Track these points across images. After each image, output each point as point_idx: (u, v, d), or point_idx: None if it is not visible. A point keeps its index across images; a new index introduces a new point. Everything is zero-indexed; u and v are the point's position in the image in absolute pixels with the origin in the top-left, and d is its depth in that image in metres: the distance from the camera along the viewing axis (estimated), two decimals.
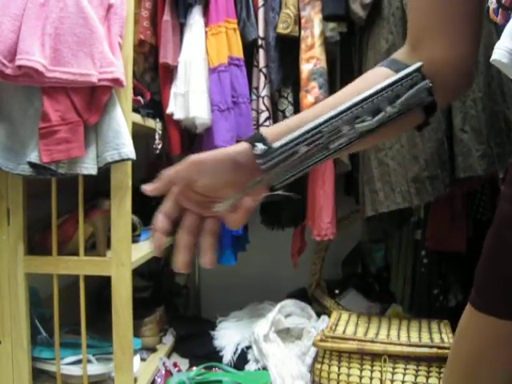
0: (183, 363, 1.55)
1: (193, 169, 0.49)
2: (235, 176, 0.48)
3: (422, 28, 0.53)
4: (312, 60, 1.45)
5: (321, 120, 0.48)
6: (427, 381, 1.23)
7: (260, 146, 0.48)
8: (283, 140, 0.48)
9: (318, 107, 0.52)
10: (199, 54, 1.46)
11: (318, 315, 1.64)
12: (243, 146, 0.48)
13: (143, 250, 1.39)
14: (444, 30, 0.52)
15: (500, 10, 0.89)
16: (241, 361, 1.49)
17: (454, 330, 1.32)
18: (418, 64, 0.49)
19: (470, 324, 0.59)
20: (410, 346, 1.26)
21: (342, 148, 0.49)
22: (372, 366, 1.28)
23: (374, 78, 0.52)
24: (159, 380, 1.39)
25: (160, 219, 0.51)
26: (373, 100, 0.48)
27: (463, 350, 0.60)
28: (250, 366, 1.47)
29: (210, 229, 0.51)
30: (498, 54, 0.78)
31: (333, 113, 0.48)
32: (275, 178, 0.49)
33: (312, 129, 0.48)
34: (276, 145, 0.48)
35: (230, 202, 0.48)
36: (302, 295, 1.81)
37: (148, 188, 0.52)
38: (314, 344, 1.36)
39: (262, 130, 0.48)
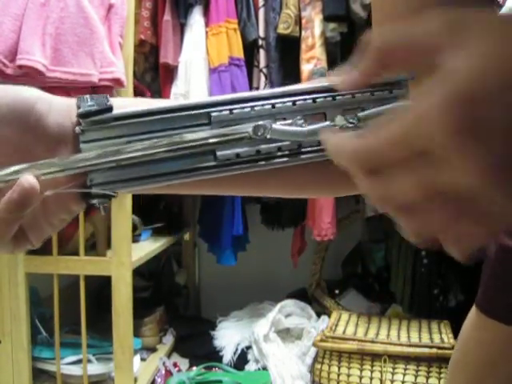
0: (183, 363, 1.55)
1: None
2: (22, 137, 0.29)
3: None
4: (312, 60, 1.45)
5: (214, 100, 0.32)
6: (427, 381, 1.23)
7: (91, 103, 0.31)
8: (135, 109, 0.31)
9: None
10: (200, 54, 1.46)
11: (318, 315, 1.63)
12: (62, 98, 0.32)
13: (143, 250, 1.39)
14: None
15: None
16: (241, 361, 1.49)
17: (454, 330, 1.33)
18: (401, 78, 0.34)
19: (478, 329, 0.58)
20: (410, 346, 1.26)
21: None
22: (372, 366, 1.28)
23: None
24: (159, 380, 1.39)
25: None
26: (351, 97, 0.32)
27: (471, 356, 0.59)
28: (250, 366, 1.47)
29: None
30: None
31: (242, 95, 0.32)
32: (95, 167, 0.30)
33: (192, 107, 0.31)
34: (121, 112, 0.31)
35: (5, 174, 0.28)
36: (302, 295, 1.81)
37: None
38: (314, 344, 1.36)
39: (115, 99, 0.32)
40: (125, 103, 0.32)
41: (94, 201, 0.31)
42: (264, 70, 1.51)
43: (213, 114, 0.31)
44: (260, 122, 0.30)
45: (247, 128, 0.30)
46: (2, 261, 1.21)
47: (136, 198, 1.23)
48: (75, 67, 1.07)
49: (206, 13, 1.50)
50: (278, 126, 0.30)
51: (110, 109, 0.31)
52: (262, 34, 1.51)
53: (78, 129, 0.30)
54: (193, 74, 1.45)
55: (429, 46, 0.22)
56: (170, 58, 1.48)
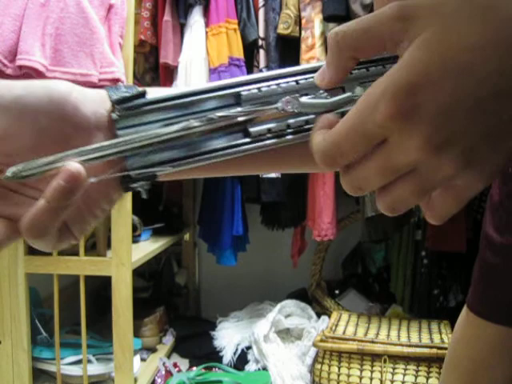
0: (183, 363, 1.55)
1: None
2: (61, 129, 0.29)
3: None
4: (312, 60, 1.45)
5: (240, 80, 0.32)
6: (427, 381, 1.23)
7: (123, 90, 0.31)
8: (166, 94, 0.31)
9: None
10: (200, 55, 1.46)
11: (318, 315, 1.64)
12: (92, 90, 0.31)
13: (143, 250, 1.39)
14: None
15: None
16: (241, 361, 1.49)
17: (452, 334, 1.33)
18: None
19: (469, 329, 0.58)
20: (410, 346, 1.26)
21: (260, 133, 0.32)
22: (372, 366, 1.28)
23: None
24: (159, 380, 1.39)
25: None
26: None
27: (462, 355, 0.59)
28: (250, 367, 1.47)
29: None
30: None
31: (262, 75, 0.33)
32: (135, 155, 0.31)
33: (220, 88, 0.32)
34: (153, 97, 0.31)
35: (39, 166, 0.28)
36: (302, 295, 1.81)
37: None
38: (314, 344, 1.36)
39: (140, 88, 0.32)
40: (153, 91, 0.32)
41: (135, 185, 0.32)
42: (264, 70, 1.51)
43: (243, 93, 0.32)
44: (288, 97, 0.31)
45: (277, 103, 0.31)
46: (2, 261, 1.21)
47: (136, 199, 1.23)
48: (75, 67, 1.07)
49: (206, 13, 1.50)
50: (306, 99, 0.31)
51: (143, 94, 0.31)
52: (261, 34, 1.51)
53: (114, 115, 0.30)
54: (193, 74, 1.45)
55: (382, 35, 0.24)
56: (170, 58, 1.48)
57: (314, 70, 0.32)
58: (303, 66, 0.34)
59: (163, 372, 1.40)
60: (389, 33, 0.24)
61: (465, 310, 0.59)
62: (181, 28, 1.51)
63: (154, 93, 0.32)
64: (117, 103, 0.30)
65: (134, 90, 0.31)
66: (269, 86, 0.32)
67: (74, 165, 0.27)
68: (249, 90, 0.32)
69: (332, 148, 0.25)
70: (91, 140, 0.30)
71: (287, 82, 0.32)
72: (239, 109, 0.31)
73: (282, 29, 1.46)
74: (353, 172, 0.26)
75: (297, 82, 0.33)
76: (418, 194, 0.25)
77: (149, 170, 0.31)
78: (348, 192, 0.28)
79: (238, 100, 0.32)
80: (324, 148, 0.25)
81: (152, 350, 1.56)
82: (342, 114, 0.27)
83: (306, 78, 0.33)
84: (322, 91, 0.32)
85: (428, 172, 0.24)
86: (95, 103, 0.30)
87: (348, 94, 0.30)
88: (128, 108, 0.31)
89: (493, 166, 0.24)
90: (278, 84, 0.32)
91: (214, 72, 1.45)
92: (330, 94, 0.31)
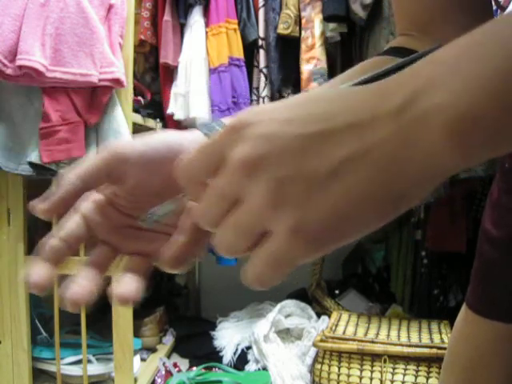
0: (183, 363, 1.55)
1: (113, 163, 0.33)
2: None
3: (431, 10, 0.48)
4: (312, 60, 1.45)
5: None
6: (427, 381, 1.23)
7: (217, 128, 0.34)
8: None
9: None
10: (200, 55, 1.46)
11: (318, 315, 1.63)
12: (190, 132, 0.36)
13: None
14: (459, 9, 0.46)
15: (499, 11, 0.89)
16: (241, 361, 1.49)
17: (452, 332, 1.33)
18: (436, 44, 0.41)
19: (467, 326, 0.59)
20: (410, 346, 1.26)
21: None
22: (372, 366, 1.28)
23: (375, 65, 0.43)
24: (159, 380, 1.39)
25: (53, 245, 0.34)
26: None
27: (461, 352, 0.60)
28: (250, 367, 1.47)
29: (136, 266, 0.33)
30: None
31: None
32: None
33: None
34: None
35: (169, 207, 0.32)
36: (302, 295, 1.81)
37: (40, 206, 0.34)
38: (314, 344, 1.36)
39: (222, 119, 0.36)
40: None
41: None
42: (264, 70, 1.51)
43: None
44: None
45: None
46: (2, 261, 1.21)
47: None
48: (75, 67, 1.07)
49: (206, 13, 1.50)
50: None
51: None
52: (261, 34, 1.51)
53: None
54: (193, 74, 1.45)
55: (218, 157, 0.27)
56: (170, 58, 1.48)
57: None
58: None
59: (163, 372, 1.40)
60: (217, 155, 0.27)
61: (463, 308, 0.59)
62: (181, 28, 1.51)
63: None
64: None
65: (222, 123, 0.34)
66: None
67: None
68: None
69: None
70: None
71: None
72: None
73: (281, 29, 1.46)
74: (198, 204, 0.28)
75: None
76: (234, 232, 0.26)
77: None
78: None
79: None
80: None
81: (152, 350, 1.56)
82: None
83: None
84: None
85: (243, 202, 0.25)
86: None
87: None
88: None
89: (306, 225, 0.24)
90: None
91: (213, 72, 1.45)
92: None
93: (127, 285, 0.31)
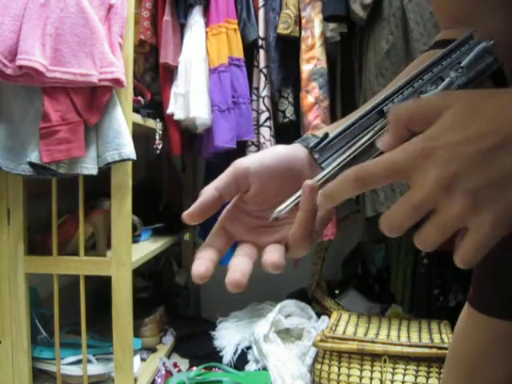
0: (183, 363, 1.55)
1: (238, 175, 0.42)
2: (289, 177, 0.43)
3: (467, 7, 0.50)
4: (312, 60, 1.45)
5: (377, 101, 0.43)
6: (427, 381, 1.23)
7: (312, 139, 0.44)
8: (337, 130, 0.44)
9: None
10: (200, 55, 1.46)
11: (318, 315, 1.63)
12: (291, 145, 0.45)
13: (143, 250, 1.39)
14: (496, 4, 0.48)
15: None
16: (241, 361, 1.49)
17: (454, 331, 1.33)
18: (469, 32, 0.44)
19: (469, 324, 0.59)
20: (410, 346, 1.26)
21: None
22: (372, 366, 1.28)
23: (426, 59, 0.47)
24: (159, 380, 1.39)
25: (205, 251, 0.42)
26: (431, 70, 0.42)
27: (462, 350, 0.60)
28: (250, 367, 1.47)
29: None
30: None
31: (388, 92, 0.43)
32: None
33: (367, 112, 0.43)
34: (331, 135, 0.44)
35: (290, 204, 0.41)
36: (302, 295, 1.81)
37: (187, 215, 0.41)
38: (313, 344, 1.36)
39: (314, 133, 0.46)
40: (330, 128, 0.46)
41: None
42: (264, 70, 1.51)
43: (384, 108, 0.43)
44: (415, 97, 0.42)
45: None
46: (2, 261, 1.21)
47: (136, 199, 1.23)
48: (75, 67, 1.07)
49: (206, 13, 1.50)
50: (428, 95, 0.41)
51: (326, 136, 0.44)
52: (261, 34, 1.51)
53: (316, 155, 0.44)
54: (193, 74, 1.45)
55: (428, 113, 0.34)
56: (170, 58, 1.48)
57: (417, 75, 0.43)
58: (413, 73, 0.43)
59: (163, 372, 1.40)
60: (432, 111, 0.34)
61: (466, 306, 0.59)
62: (181, 28, 1.51)
63: (331, 130, 0.44)
64: (314, 148, 0.44)
65: (314, 138, 0.44)
66: (397, 96, 0.43)
67: (308, 182, 0.39)
68: (387, 104, 0.43)
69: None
70: (309, 178, 0.42)
71: (407, 89, 0.43)
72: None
73: (281, 29, 1.46)
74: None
75: (412, 85, 0.43)
76: (438, 231, 0.32)
77: None
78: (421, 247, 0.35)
79: (381, 114, 0.43)
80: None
81: (152, 349, 1.56)
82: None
83: (416, 81, 0.43)
84: (429, 85, 0.42)
85: (442, 210, 0.31)
86: (302, 156, 0.44)
87: (448, 79, 0.41)
88: (321, 148, 0.44)
89: (503, 214, 0.30)
90: (401, 93, 0.43)
91: (214, 72, 1.45)
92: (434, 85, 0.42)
93: (274, 253, 0.39)
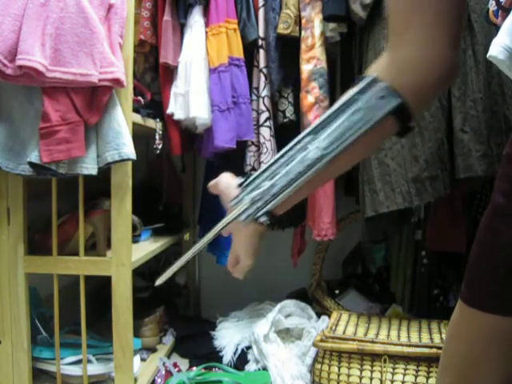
0: (183, 363, 1.55)
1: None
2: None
3: (402, 24, 0.52)
4: (312, 60, 1.45)
5: (279, 154, 0.58)
6: (427, 381, 1.23)
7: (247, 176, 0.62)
8: (247, 180, 0.60)
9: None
10: (199, 54, 1.46)
11: (318, 315, 1.63)
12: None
13: (143, 250, 1.39)
14: (423, 29, 0.50)
15: (500, 11, 0.89)
16: (241, 361, 1.49)
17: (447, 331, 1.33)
18: (369, 78, 0.51)
19: (461, 320, 0.59)
20: (410, 346, 1.26)
21: (307, 173, 0.57)
22: (372, 366, 1.28)
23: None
24: (159, 380, 1.39)
25: None
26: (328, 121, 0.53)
27: (455, 347, 0.60)
28: (250, 367, 1.47)
29: None
30: (495, 50, 0.78)
31: (290, 145, 0.57)
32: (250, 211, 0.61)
33: (271, 164, 0.58)
34: (241, 183, 0.61)
35: (171, 271, 0.74)
36: (302, 295, 1.81)
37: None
38: (313, 344, 1.36)
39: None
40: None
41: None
42: (264, 70, 1.51)
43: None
44: None
45: None
46: (2, 261, 1.21)
47: (136, 199, 1.23)
48: (75, 67, 1.07)
49: (206, 13, 1.50)
50: None
51: (249, 176, 0.62)
52: (261, 34, 1.51)
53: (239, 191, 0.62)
54: (193, 74, 1.45)
55: None
56: (170, 58, 1.48)
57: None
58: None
59: (163, 372, 1.40)
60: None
61: (457, 305, 0.59)
62: (181, 28, 1.51)
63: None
64: (240, 185, 0.61)
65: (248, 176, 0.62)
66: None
67: None
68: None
69: None
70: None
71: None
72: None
73: (281, 29, 1.46)
74: None
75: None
76: None
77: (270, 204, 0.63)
78: None
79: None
80: None
81: (152, 349, 1.56)
82: None
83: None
84: None
85: None
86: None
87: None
88: (244, 185, 0.61)
89: None
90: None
91: (213, 72, 1.45)
92: None
93: None
